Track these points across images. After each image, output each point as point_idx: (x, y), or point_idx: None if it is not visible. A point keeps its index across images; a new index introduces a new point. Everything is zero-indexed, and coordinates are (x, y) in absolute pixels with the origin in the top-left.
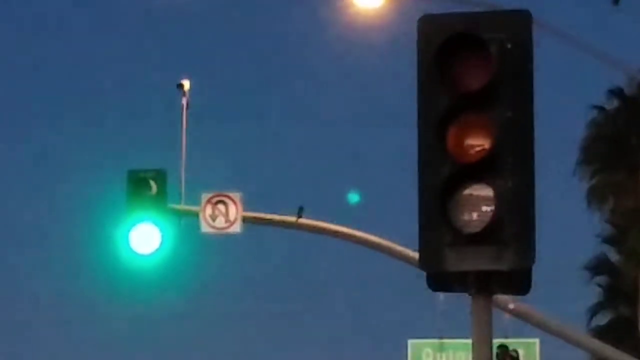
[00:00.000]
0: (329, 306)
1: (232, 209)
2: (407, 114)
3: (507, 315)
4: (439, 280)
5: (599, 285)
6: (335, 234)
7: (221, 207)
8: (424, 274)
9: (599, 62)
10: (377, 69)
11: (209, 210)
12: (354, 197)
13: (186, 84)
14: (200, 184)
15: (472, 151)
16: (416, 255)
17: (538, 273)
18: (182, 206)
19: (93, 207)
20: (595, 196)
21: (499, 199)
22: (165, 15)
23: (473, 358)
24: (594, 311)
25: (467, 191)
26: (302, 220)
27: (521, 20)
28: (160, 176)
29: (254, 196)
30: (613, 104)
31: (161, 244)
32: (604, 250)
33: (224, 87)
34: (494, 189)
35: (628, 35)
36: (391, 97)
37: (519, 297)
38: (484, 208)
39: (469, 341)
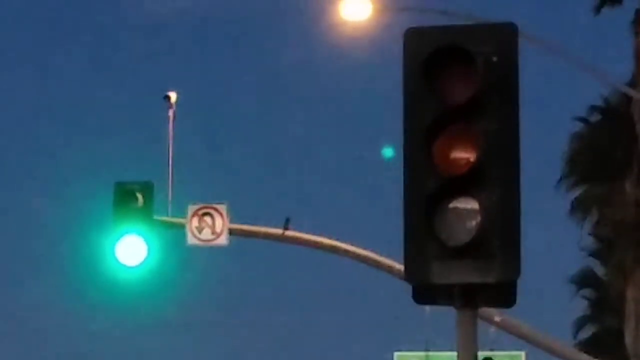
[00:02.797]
0: (315, 318)
1: (219, 221)
2: (392, 128)
3: (492, 328)
4: (425, 293)
5: (585, 298)
6: (322, 246)
7: (208, 219)
8: (410, 286)
9: (584, 73)
10: (365, 82)
11: (195, 222)
12: (388, 152)
13: (173, 96)
14: (186, 196)
15: (458, 164)
16: (402, 267)
17: (524, 286)
18: (169, 218)
19: (80, 219)
20: (579, 209)
21: (484, 212)
22: (154, 27)
23: None
24: (580, 324)
25: (452, 204)
26: (289, 233)
27: (507, 34)
28: (147, 188)
29: (241, 208)
30: (597, 116)
31: (147, 256)
32: (589, 263)
33: (210, 99)
34: (480, 202)
35: (611, 46)
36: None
37: (505, 309)
38: (470, 221)
39: (455, 354)
